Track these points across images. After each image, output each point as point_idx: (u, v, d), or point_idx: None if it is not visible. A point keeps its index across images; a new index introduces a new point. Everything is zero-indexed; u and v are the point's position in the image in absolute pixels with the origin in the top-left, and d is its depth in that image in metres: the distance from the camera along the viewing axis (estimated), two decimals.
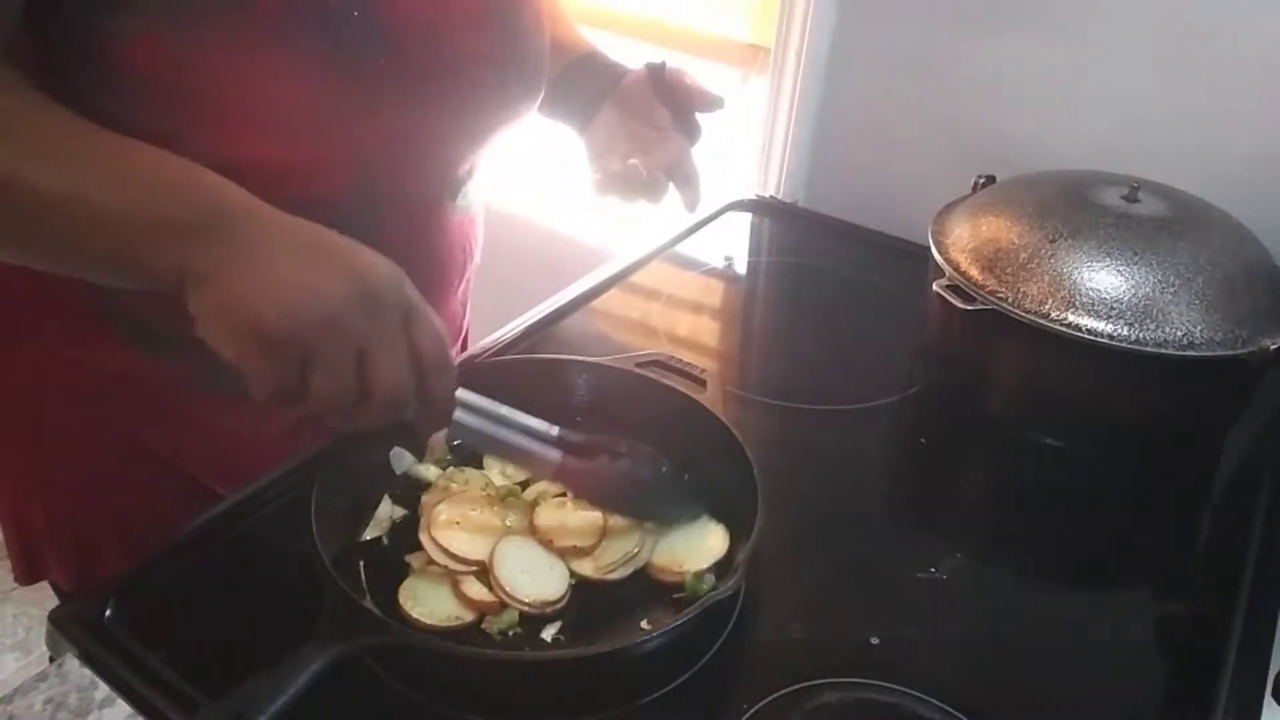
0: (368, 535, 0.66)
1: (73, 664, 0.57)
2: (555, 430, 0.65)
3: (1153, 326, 0.73)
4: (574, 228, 1.53)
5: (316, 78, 0.60)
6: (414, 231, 0.74)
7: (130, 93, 0.57)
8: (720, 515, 0.68)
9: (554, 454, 0.64)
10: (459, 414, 0.60)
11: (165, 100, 0.58)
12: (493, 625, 0.60)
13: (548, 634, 0.61)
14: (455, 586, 0.61)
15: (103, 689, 0.55)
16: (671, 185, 0.82)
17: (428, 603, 0.61)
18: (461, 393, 0.60)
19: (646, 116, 0.82)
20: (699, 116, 0.83)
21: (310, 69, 0.59)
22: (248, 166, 0.59)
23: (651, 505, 0.66)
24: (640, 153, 0.80)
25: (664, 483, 0.66)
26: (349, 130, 0.63)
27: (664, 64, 0.81)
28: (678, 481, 0.66)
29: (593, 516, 0.65)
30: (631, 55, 0.87)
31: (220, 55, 0.57)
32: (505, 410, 0.64)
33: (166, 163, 0.54)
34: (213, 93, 0.58)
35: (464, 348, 0.91)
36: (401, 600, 0.61)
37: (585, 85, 0.84)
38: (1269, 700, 0.58)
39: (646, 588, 0.64)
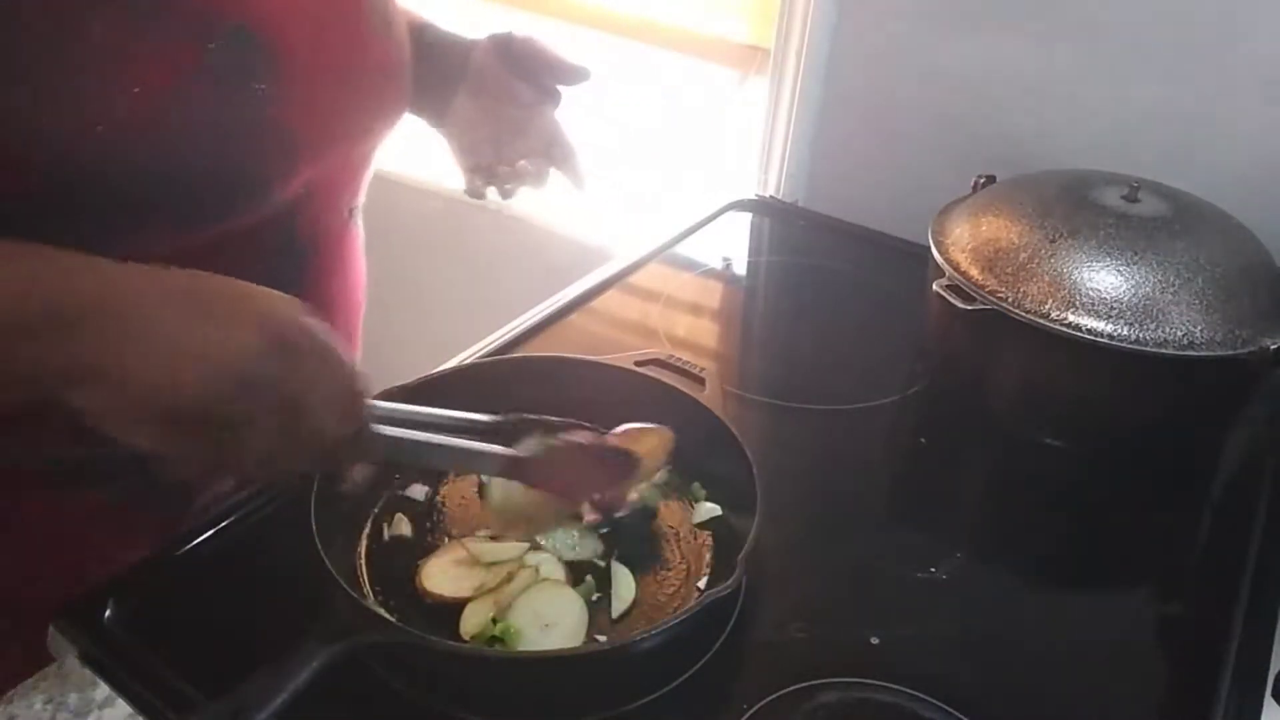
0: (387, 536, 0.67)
1: (73, 664, 0.56)
2: (487, 418, 0.60)
3: (1153, 326, 0.73)
4: (574, 228, 1.53)
5: (208, 100, 0.55)
6: (333, 256, 0.70)
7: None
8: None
9: (496, 449, 0.58)
10: (388, 430, 0.54)
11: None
12: None
13: None
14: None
15: (103, 689, 0.55)
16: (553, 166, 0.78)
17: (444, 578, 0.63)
18: (381, 406, 0.55)
19: (506, 96, 0.75)
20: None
21: (204, 93, 0.55)
22: (165, 203, 0.55)
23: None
24: (509, 136, 0.76)
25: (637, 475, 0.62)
26: (272, 156, 0.59)
27: (510, 34, 0.75)
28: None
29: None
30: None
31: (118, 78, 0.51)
32: (432, 411, 0.59)
33: (18, 258, 0.46)
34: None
35: None
36: (423, 578, 0.62)
37: (431, 68, 0.76)
38: (1269, 700, 0.58)
39: None
